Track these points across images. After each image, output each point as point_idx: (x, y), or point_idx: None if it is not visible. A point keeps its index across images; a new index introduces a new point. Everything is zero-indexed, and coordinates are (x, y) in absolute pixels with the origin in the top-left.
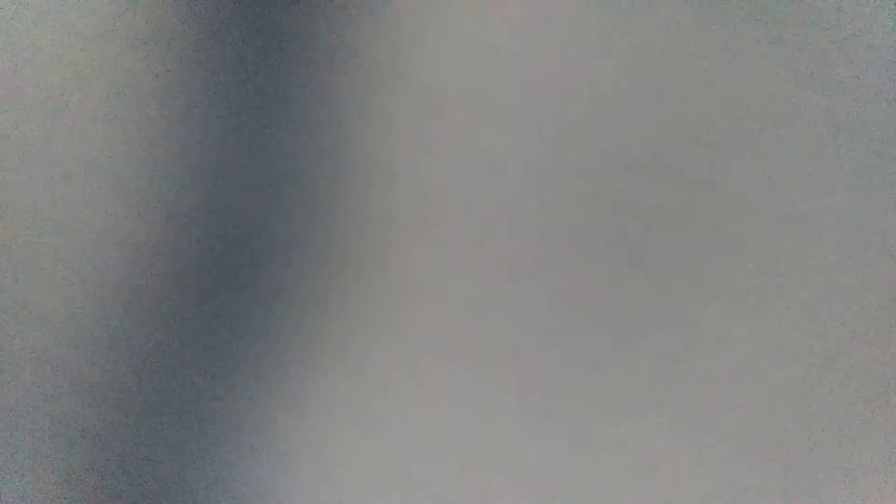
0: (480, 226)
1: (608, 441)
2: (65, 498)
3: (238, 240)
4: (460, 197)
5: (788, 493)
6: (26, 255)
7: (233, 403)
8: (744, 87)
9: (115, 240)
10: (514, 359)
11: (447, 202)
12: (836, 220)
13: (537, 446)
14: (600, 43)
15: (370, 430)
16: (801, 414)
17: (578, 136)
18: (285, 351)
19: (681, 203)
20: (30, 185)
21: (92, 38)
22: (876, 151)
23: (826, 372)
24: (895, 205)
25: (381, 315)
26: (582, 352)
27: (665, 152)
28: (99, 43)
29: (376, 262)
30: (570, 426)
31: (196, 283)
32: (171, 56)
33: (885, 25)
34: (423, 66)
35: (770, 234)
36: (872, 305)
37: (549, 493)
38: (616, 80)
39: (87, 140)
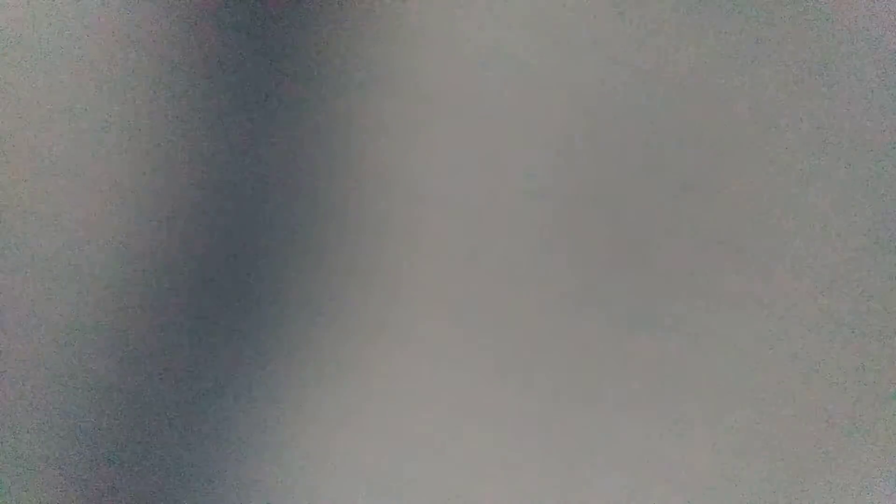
0: (479, 228)
1: (608, 442)
2: (65, 498)
3: (235, 242)
4: (459, 198)
5: (789, 493)
6: (25, 255)
7: (232, 405)
8: (744, 87)
9: (113, 241)
10: (511, 360)
11: (446, 204)
12: (836, 220)
13: (536, 447)
14: (599, 44)
15: (368, 431)
16: (801, 414)
17: (577, 137)
18: (283, 353)
19: (680, 203)
20: (29, 185)
21: (91, 38)
22: (876, 151)
23: (827, 372)
24: (895, 205)
25: (379, 317)
26: (581, 353)
27: (665, 152)
28: (98, 43)
29: (374, 265)
30: (569, 427)
31: (194, 284)
32: (167, 57)
33: (885, 25)
34: (422, 68)
35: (770, 235)
36: (872, 305)
37: (549, 493)
38: (614, 80)
39: (87, 141)
